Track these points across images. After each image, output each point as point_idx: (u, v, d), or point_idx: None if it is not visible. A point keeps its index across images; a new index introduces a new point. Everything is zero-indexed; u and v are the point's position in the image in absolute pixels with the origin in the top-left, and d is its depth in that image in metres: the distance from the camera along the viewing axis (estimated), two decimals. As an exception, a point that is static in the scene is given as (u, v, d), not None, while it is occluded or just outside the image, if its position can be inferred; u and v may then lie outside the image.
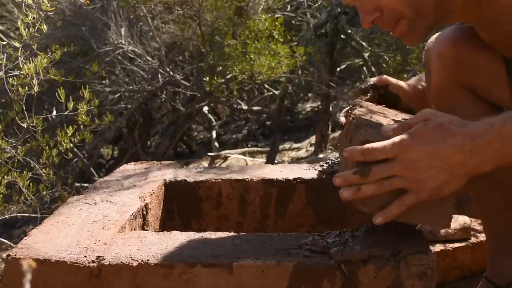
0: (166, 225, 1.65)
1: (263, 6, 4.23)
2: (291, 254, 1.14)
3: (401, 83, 1.69)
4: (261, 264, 1.12)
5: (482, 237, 1.84)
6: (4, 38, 3.79)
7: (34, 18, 2.18)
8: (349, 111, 1.52)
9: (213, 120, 5.88)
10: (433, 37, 1.53)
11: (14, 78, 2.21)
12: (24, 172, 2.29)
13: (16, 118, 2.26)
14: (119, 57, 4.25)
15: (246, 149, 5.47)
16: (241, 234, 1.26)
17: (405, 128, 1.14)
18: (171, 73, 4.34)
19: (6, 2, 4.59)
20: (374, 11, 1.25)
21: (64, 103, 2.24)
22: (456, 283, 1.80)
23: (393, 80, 1.68)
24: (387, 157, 1.10)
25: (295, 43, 4.33)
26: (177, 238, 1.24)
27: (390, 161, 1.10)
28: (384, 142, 1.11)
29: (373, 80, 1.68)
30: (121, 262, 1.14)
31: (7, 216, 2.73)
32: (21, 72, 2.19)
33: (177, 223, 1.68)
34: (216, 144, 5.40)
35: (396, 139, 1.11)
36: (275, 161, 4.73)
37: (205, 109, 5.53)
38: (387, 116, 1.40)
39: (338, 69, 5.34)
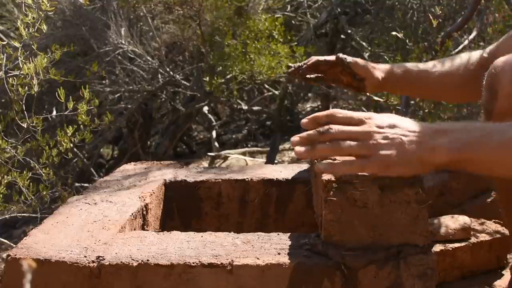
0: (166, 225, 1.65)
1: (263, 6, 4.23)
2: (291, 254, 1.14)
3: (371, 66, 1.76)
4: (261, 264, 1.11)
5: (482, 237, 1.84)
6: (4, 38, 3.79)
7: (34, 18, 2.17)
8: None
9: (213, 120, 5.86)
10: (498, 60, 1.51)
11: (14, 78, 2.21)
12: (24, 172, 2.29)
13: (16, 118, 2.26)
14: (119, 57, 4.25)
15: (246, 149, 5.46)
16: (241, 234, 1.26)
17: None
18: (171, 73, 4.34)
19: (6, 2, 4.59)
20: None
21: (64, 103, 2.24)
22: (456, 283, 1.80)
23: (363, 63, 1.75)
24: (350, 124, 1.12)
25: (295, 43, 4.33)
26: (177, 238, 1.24)
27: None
28: (352, 112, 1.13)
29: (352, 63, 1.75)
30: (121, 262, 1.14)
31: (7, 216, 2.73)
32: (21, 72, 2.19)
33: (177, 223, 1.68)
34: (216, 144, 5.39)
35: (365, 113, 1.13)
36: (275, 161, 4.72)
37: (205, 109, 5.52)
38: None
39: (338, 69, 5.33)
